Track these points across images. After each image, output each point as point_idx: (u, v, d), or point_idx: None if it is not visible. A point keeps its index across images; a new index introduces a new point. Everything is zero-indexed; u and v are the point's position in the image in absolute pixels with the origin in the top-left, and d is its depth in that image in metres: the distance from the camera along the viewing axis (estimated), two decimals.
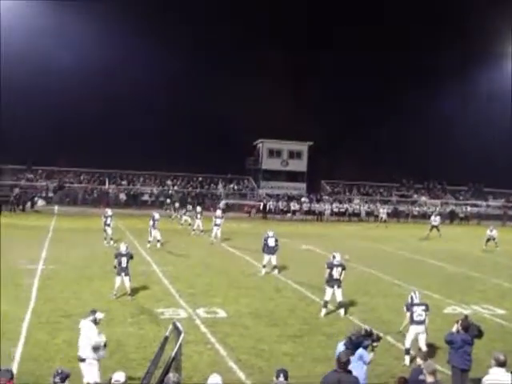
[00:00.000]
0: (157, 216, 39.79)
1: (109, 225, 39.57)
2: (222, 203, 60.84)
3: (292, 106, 70.64)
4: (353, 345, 13.36)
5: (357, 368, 12.65)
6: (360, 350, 13.33)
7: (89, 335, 14.23)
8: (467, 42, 71.20)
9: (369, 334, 13.76)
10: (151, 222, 39.12)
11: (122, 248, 24.49)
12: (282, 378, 11.46)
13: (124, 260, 23.87)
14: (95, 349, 13.90)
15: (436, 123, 75.92)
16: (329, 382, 11.37)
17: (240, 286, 27.21)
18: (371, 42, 75.80)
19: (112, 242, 37.82)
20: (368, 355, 13.47)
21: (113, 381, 10.88)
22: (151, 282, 27.17)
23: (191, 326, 19.73)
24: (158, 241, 38.55)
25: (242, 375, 15.67)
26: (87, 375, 13.89)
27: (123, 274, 23.71)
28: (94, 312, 14.77)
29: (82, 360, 14.10)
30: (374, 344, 13.75)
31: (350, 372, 11.53)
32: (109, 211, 41.01)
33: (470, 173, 78.76)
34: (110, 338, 18.30)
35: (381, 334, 14.73)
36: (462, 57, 73.80)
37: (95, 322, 14.61)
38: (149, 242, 38.60)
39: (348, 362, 11.52)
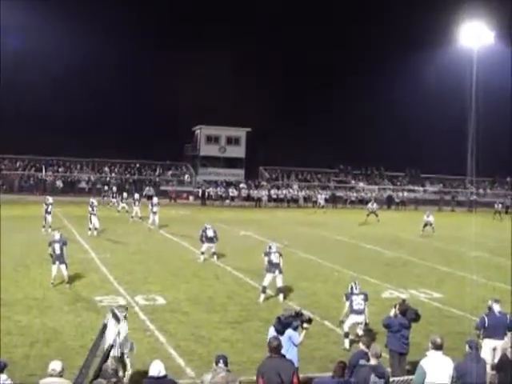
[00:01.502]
0: (95, 202, 39.62)
1: (49, 212, 39.20)
2: (147, 190, 60.88)
3: (230, 92, 70.45)
4: (282, 325, 13.32)
5: (287, 349, 12.68)
6: (289, 331, 13.27)
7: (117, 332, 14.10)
8: (411, 25, 71.53)
9: (299, 315, 13.75)
10: (90, 209, 38.84)
11: (56, 235, 24.26)
12: (221, 364, 11.42)
13: (57, 247, 23.50)
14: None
15: (373, 109, 76.37)
16: (265, 368, 11.40)
17: (179, 273, 27.14)
18: (311, 31, 76.24)
19: (50, 230, 37.29)
20: (297, 336, 13.47)
21: (49, 370, 10.74)
22: (89, 269, 26.93)
23: (130, 314, 19.54)
24: (96, 229, 38.22)
25: (181, 362, 15.64)
26: None
27: (58, 262, 23.34)
28: (126, 309, 14.56)
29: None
30: (305, 325, 13.66)
31: (284, 356, 11.60)
32: (50, 198, 40.64)
33: (407, 158, 79.51)
34: (47, 327, 18.16)
35: (312, 316, 14.83)
36: (403, 42, 74.11)
37: (125, 317, 14.44)
38: (89, 229, 38.30)
39: (279, 346, 11.55)
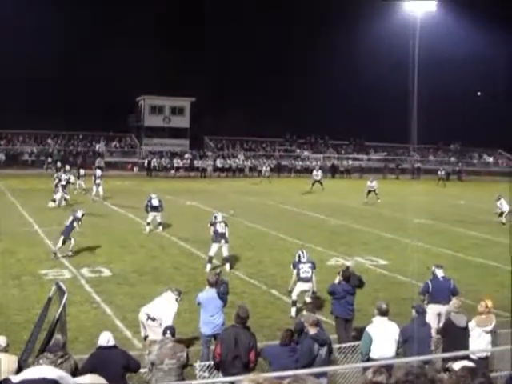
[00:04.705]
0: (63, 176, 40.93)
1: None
2: (98, 161, 60.60)
3: (174, 62, 70.00)
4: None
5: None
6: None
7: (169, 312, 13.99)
8: None
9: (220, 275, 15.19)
10: (56, 181, 39.61)
11: (78, 212, 25.45)
12: (168, 335, 11.50)
13: (69, 220, 24.60)
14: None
15: (319, 77, 76.25)
16: (226, 336, 11.55)
17: (124, 245, 27.02)
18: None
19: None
20: None
21: None
22: (34, 242, 26.64)
23: (76, 286, 19.51)
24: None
25: (128, 333, 15.66)
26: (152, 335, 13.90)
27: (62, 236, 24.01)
28: (180, 292, 14.64)
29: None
30: None
31: (249, 329, 11.71)
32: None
33: (351, 127, 79.72)
34: None
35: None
36: (343, 11, 74.03)
37: (177, 300, 14.40)
38: (53, 200, 38.09)
39: (247, 317, 11.71)
